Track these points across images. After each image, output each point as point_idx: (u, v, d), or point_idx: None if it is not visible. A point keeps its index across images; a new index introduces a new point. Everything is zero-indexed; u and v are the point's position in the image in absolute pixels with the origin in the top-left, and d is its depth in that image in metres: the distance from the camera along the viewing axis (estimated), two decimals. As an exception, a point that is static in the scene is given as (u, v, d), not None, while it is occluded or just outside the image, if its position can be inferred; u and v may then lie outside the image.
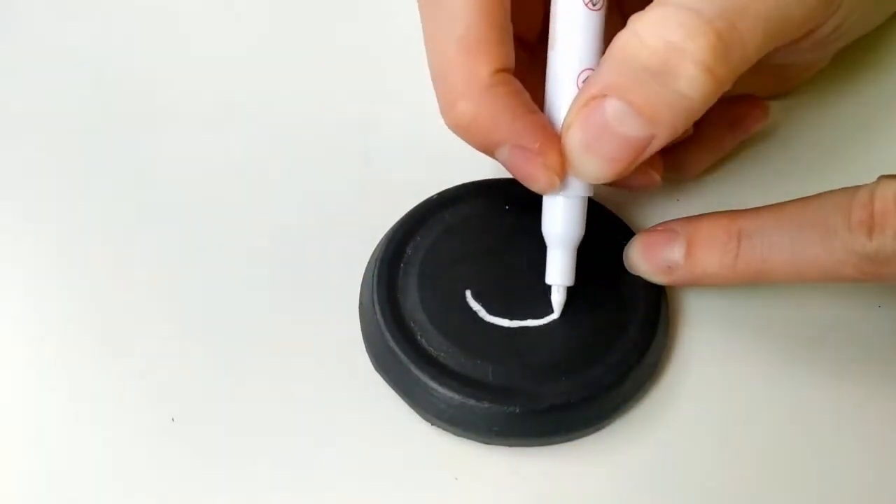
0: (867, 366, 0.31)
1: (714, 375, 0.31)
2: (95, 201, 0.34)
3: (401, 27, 0.37)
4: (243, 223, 0.34)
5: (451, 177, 0.33)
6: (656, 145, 0.27)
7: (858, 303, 0.32)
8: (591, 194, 0.29)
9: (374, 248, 0.32)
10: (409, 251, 0.31)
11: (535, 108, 0.28)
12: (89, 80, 0.38)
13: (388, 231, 0.32)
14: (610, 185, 0.29)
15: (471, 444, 0.29)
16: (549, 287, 0.30)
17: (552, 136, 0.28)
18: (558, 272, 0.30)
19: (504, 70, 0.28)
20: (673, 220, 0.31)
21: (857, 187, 0.27)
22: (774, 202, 0.29)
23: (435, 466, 0.29)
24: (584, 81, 0.28)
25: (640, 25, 0.26)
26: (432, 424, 0.29)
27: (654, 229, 0.31)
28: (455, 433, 0.29)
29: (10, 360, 0.31)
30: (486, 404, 0.28)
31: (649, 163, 0.30)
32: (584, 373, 0.29)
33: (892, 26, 0.39)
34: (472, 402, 0.28)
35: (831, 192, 0.28)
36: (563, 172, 0.28)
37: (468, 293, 0.30)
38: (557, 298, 0.30)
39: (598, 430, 0.30)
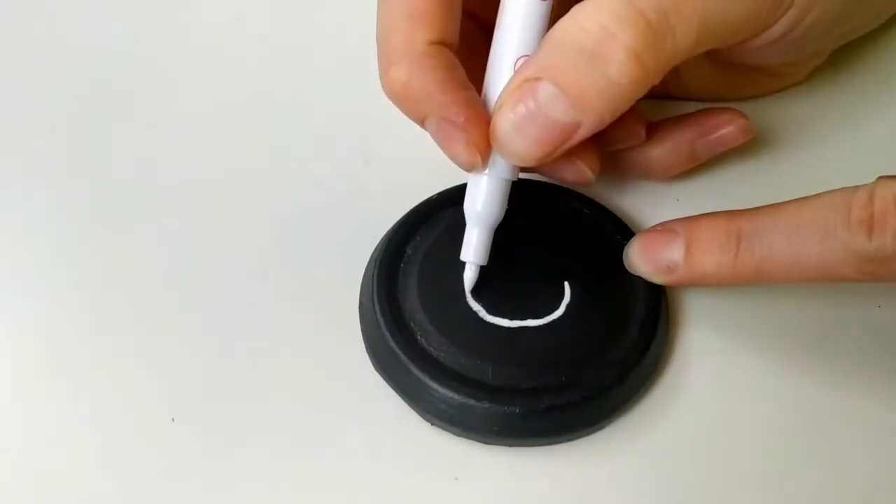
0: (867, 366, 0.31)
1: (714, 375, 0.31)
2: (96, 201, 0.34)
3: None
4: (243, 223, 0.34)
5: (451, 177, 0.33)
6: (582, 133, 0.27)
7: (858, 303, 0.32)
8: (515, 178, 0.30)
9: (374, 248, 0.32)
10: (409, 251, 0.31)
11: (469, 85, 0.29)
12: (89, 81, 0.38)
13: (388, 231, 0.32)
14: (541, 175, 0.30)
15: (471, 444, 0.29)
16: (468, 278, 0.30)
17: (479, 114, 0.28)
18: (472, 250, 0.30)
19: (442, 43, 0.29)
20: (672, 220, 0.31)
21: (856, 187, 0.27)
22: (774, 202, 0.29)
23: (435, 466, 0.29)
24: (520, 61, 0.28)
25: (579, 12, 0.27)
26: (432, 424, 0.29)
27: (653, 229, 0.31)
28: (455, 433, 0.29)
29: (10, 360, 0.31)
30: (486, 404, 0.28)
31: (581, 158, 0.30)
32: (584, 373, 0.29)
33: (893, 27, 0.39)
34: (472, 402, 0.28)
35: (830, 192, 0.28)
36: (486, 152, 0.28)
37: (468, 293, 0.30)
38: (469, 275, 0.30)
39: (598, 430, 0.30)
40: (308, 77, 0.38)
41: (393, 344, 0.29)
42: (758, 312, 0.32)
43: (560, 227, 0.32)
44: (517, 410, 0.28)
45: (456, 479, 0.29)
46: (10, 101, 0.37)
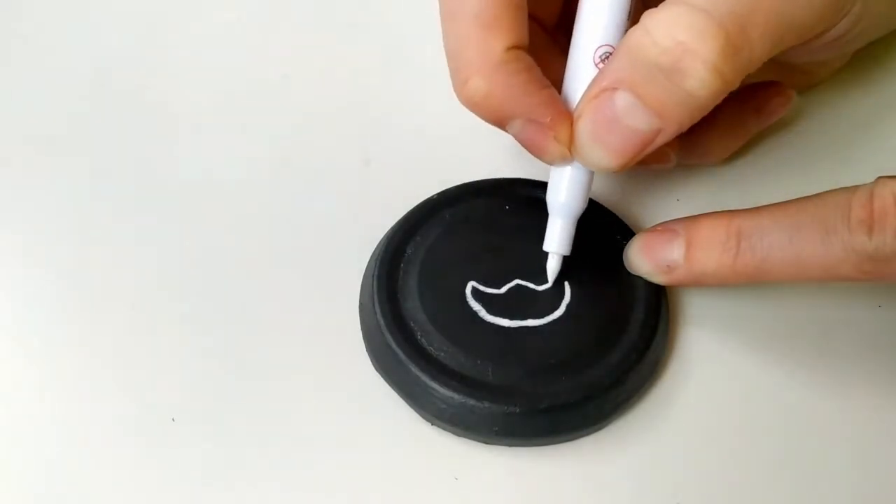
0: (867, 366, 0.31)
1: (714, 375, 0.31)
2: (96, 202, 0.34)
3: (401, 28, 0.37)
4: (243, 223, 0.34)
5: (451, 177, 0.33)
6: (662, 139, 0.27)
7: (858, 303, 0.32)
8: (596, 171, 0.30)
9: (374, 248, 0.32)
10: (409, 251, 0.31)
11: (548, 83, 0.29)
12: (89, 81, 0.38)
13: (388, 231, 0.32)
14: None
15: (471, 444, 0.29)
16: (545, 265, 0.31)
17: (563, 111, 0.29)
18: (557, 241, 0.30)
19: (518, 47, 0.29)
20: (673, 220, 0.31)
21: (856, 187, 0.27)
22: (774, 202, 0.29)
23: (435, 466, 0.29)
24: (601, 58, 0.29)
25: (652, 24, 0.26)
26: (432, 424, 0.29)
27: (653, 229, 0.31)
28: (455, 433, 0.29)
29: (10, 360, 0.31)
30: (486, 404, 0.28)
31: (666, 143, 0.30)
32: (584, 373, 0.29)
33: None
34: (472, 402, 0.28)
35: (830, 191, 0.28)
36: (572, 146, 0.29)
37: (468, 293, 0.30)
38: (552, 265, 0.31)
39: (598, 430, 0.30)
40: (308, 77, 0.38)
41: (393, 344, 0.29)
42: (758, 312, 0.32)
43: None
44: (517, 410, 0.28)
45: (456, 479, 0.29)
46: (11, 101, 0.37)
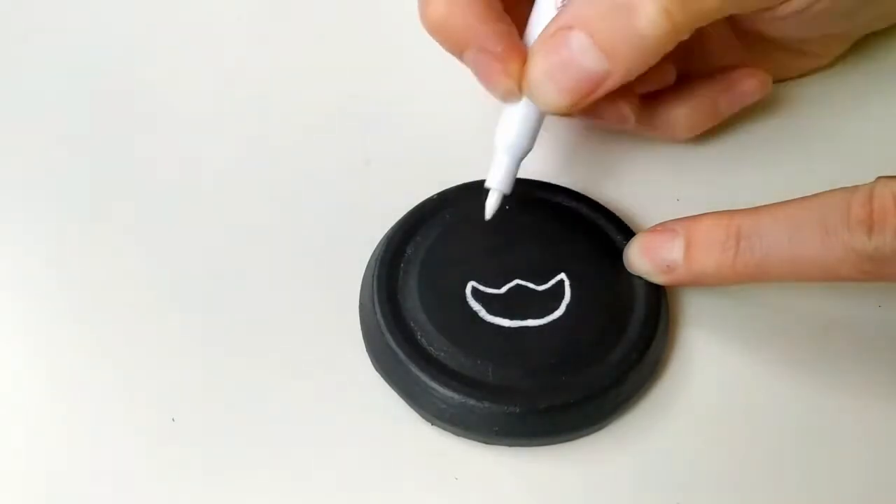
0: (867, 366, 0.31)
1: (714, 375, 0.31)
2: (96, 201, 0.34)
3: (401, 28, 0.37)
4: (243, 223, 0.34)
5: (451, 177, 0.33)
6: (610, 83, 0.28)
7: (858, 303, 0.32)
8: (548, 113, 0.30)
9: (374, 248, 0.32)
10: (409, 251, 0.31)
11: (507, 18, 0.30)
12: (89, 80, 0.38)
13: (388, 231, 0.32)
14: (584, 117, 0.31)
15: (471, 444, 0.29)
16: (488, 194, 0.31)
17: (517, 46, 0.29)
18: (499, 178, 0.30)
19: None
20: (672, 220, 0.31)
21: (856, 187, 0.27)
22: (774, 202, 0.29)
23: (435, 466, 0.29)
24: (562, 2, 0.29)
25: None
26: (432, 424, 0.29)
27: (653, 229, 0.31)
28: (455, 433, 0.29)
29: (9, 361, 0.31)
30: (486, 404, 0.28)
31: (623, 99, 0.31)
32: (584, 373, 0.29)
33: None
34: (472, 402, 0.28)
35: (830, 191, 0.28)
36: (524, 82, 0.29)
37: (468, 293, 0.30)
38: (491, 202, 0.31)
39: (598, 430, 0.30)
40: (308, 77, 0.38)
41: (393, 344, 0.29)
42: (758, 312, 0.32)
43: (560, 226, 0.32)
44: (517, 410, 0.28)
45: (456, 479, 0.29)
46: (11, 101, 0.37)
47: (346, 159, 0.36)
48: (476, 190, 0.33)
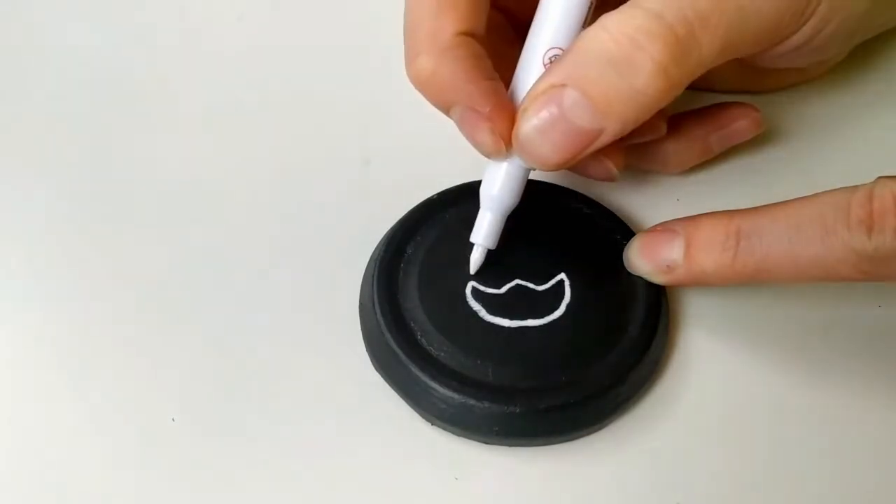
0: (867, 366, 0.31)
1: (714, 375, 0.31)
2: (96, 201, 0.34)
3: (401, 27, 0.36)
4: (243, 223, 0.34)
5: (451, 177, 0.33)
6: (603, 140, 0.28)
7: (858, 303, 0.32)
8: (534, 168, 0.30)
9: (374, 248, 0.32)
10: (409, 251, 0.31)
11: (495, 75, 0.29)
12: (89, 80, 0.38)
13: (388, 231, 0.32)
14: (568, 169, 0.30)
15: (471, 444, 0.29)
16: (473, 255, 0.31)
17: (505, 104, 0.29)
18: (483, 233, 0.30)
19: (470, 34, 0.29)
20: (672, 220, 0.31)
21: (856, 187, 0.27)
22: (773, 202, 0.29)
23: (435, 466, 0.29)
24: (550, 59, 0.29)
25: (609, 21, 0.27)
26: (432, 424, 0.29)
27: (653, 229, 0.31)
28: (455, 433, 0.29)
29: (10, 360, 0.31)
30: (486, 404, 0.28)
31: (607, 155, 0.31)
32: (584, 373, 0.29)
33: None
34: (472, 402, 0.28)
35: (829, 191, 0.28)
36: (510, 140, 0.29)
37: (468, 293, 0.30)
38: (476, 257, 0.31)
39: (598, 430, 0.30)
40: (308, 77, 0.38)
41: (393, 344, 0.29)
42: (758, 312, 0.32)
43: (560, 226, 0.32)
44: (517, 410, 0.28)
45: (456, 479, 0.29)
46: (11, 101, 0.37)
47: (346, 159, 0.36)
48: (476, 190, 0.33)
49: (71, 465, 0.29)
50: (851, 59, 0.37)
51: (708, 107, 0.34)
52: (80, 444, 0.29)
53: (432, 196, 0.33)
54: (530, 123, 0.28)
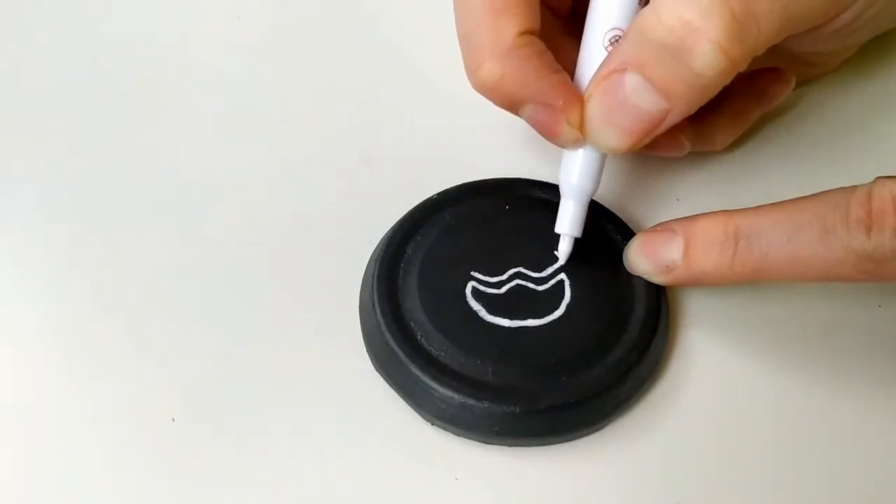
0: (867, 366, 0.31)
1: (714, 375, 0.31)
2: (95, 201, 0.34)
3: (401, 27, 0.37)
4: (243, 223, 0.34)
5: (451, 177, 0.33)
6: (671, 120, 0.28)
7: (858, 303, 0.32)
8: (609, 153, 0.30)
9: (374, 249, 0.32)
10: (409, 251, 0.31)
11: (559, 68, 0.30)
12: (89, 81, 0.38)
13: (388, 231, 0.32)
14: (642, 148, 0.30)
15: (471, 444, 0.29)
16: (556, 246, 0.31)
17: (575, 94, 0.29)
18: (568, 222, 0.31)
19: (529, 32, 0.29)
20: (672, 220, 0.31)
21: (855, 187, 0.27)
22: (773, 201, 0.29)
23: (435, 466, 0.29)
24: (610, 41, 0.29)
25: (661, 4, 0.27)
26: (432, 424, 0.29)
27: (653, 229, 0.31)
28: (455, 433, 0.29)
29: (10, 360, 0.31)
30: (486, 404, 0.28)
31: (678, 129, 0.31)
32: (584, 373, 0.29)
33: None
34: (472, 402, 0.28)
35: (829, 191, 0.28)
36: (583, 128, 0.29)
37: (468, 293, 0.30)
38: (564, 247, 0.31)
39: (598, 430, 0.30)
40: (308, 77, 0.38)
41: (393, 344, 0.29)
42: (758, 312, 0.32)
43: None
44: (517, 410, 0.28)
45: (456, 479, 0.29)
46: (11, 101, 0.37)
47: (345, 159, 0.36)
48: (476, 190, 0.33)
49: (71, 465, 0.29)
50: (851, 59, 0.37)
51: (738, 79, 0.34)
52: (81, 444, 0.29)
53: (432, 196, 0.33)
54: (596, 110, 0.28)
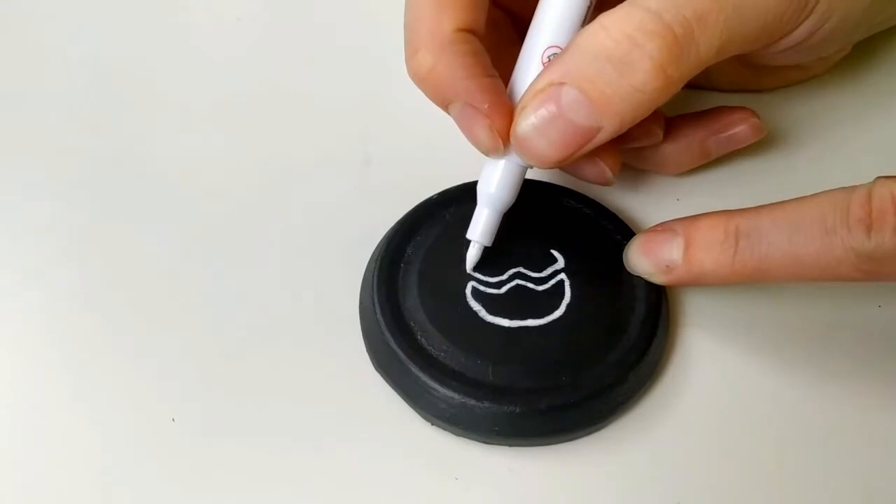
0: (867, 366, 0.31)
1: (714, 375, 0.31)
2: (96, 202, 0.34)
3: (401, 28, 0.36)
4: (243, 223, 0.34)
5: (451, 177, 0.33)
6: (602, 137, 0.28)
7: (858, 303, 0.32)
8: (530, 166, 0.30)
9: (374, 249, 0.32)
10: (409, 251, 0.31)
11: (494, 72, 0.30)
12: (89, 81, 0.38)
13: (388, 231, 0.32)
14: (563, 171, 0.31)
15: (471, 444, 0.29)
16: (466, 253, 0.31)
17: (503, 101, 0.29)
18: (480, 230, 0.30)
19: (469, 30, 0.29)
20: (672, 220, 0.31)
21: (855, 187, 0.27)
22: (773, 201, 0.29)
23: (435, 466, 0.29)
24: (548, 58, 0.29)
25: (608, 20, 0.27)
26: (432, 424, 0.29)
27: (653, 229, 0.31)
28: (455, 433, 0.29)
29: (10, 360, 0.31)
30: (486, 404, 0.28)
31: (603, 157, 0.31)
32: (584, 373, 0.29)
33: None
34: (472, 402, 0.28)
35: (829, 191, 0.28)
36: (507, 138, 0.29)
37: (468, 293, 0.30)
38: (472, 254, 0.31)
39: (598, 430, 0.30)
40: (308, 77, 0.38)
41: (393, 344, 0.29)
42: (758, 312, 0.32)
43: (560, 226, 0.32)
44: (517, 410, 0.28)
45: (456, 479, 0.29)
46: (11, 101, 0.37)
47: (346, 159, 0.36)
48: (476, 190, 0.33)
49: (71, 465, 0.29)
50: (851, 58, 0.37)
51: (707, 110, 0.35)
52: (80, 444, 0.29)
53: (432, 196, 0.33)
54: (528, 121, 0.28)
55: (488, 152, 0.30)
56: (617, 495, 0.29)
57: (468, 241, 0.31)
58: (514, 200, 0.30)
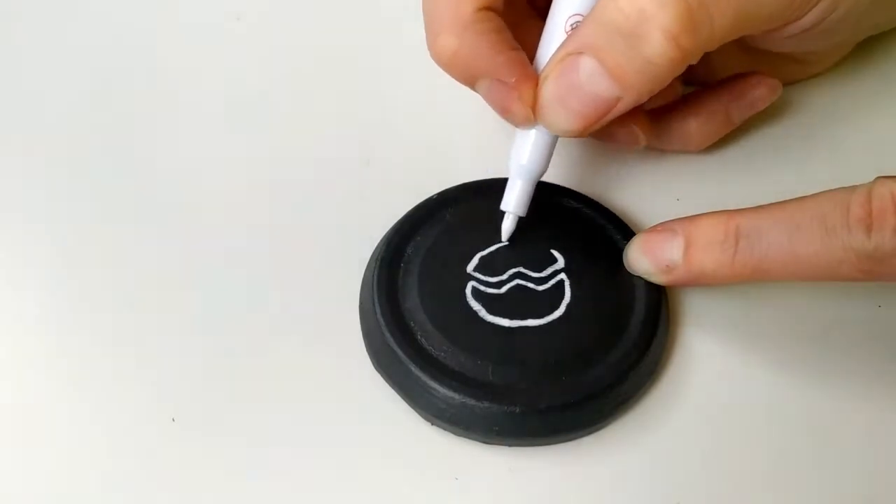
0: (867, 366, 0.31)
1: (714, 375, 0.31)
2: (96, 201, 0.34)
3: (401, 28, 0.37)
4: (243, 224, 0.34)
5: (451, 177, 0.33)
6: (622, 107, 0.28)
7: (858, 303, 0.32)
8: (561, 136, 0.30)
9: (374, 249, 0.32)
10: (409, 251, 0.31)
11: (517, 45, 0.30)
12: (89, 81, 0.38)
13: (388, 231, 0.32)
14: (595, 137, 0.31)
15: (471, 444, 0.29)
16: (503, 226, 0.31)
17: (530, 73, 0.30)
18: (514, 201, 0.31)
19: (489, 8, 0.30)
20: (672, 220, 0.31)
21: (855, 186, 0.27)
22: (773, 201, 0.29)
23: (435, 466, 0.29)
24: (571, 27, 0.29)
25: None
26: (432, 424, 0.29)
27: (653, 229, 0.31)
28: (455, 433, 0.29)
29: (10, 360, 0.31)
30: (486, 404, 0.28)
31: (634, 120, 0.32)
32: (584, 373, 0.29)
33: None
34: (472, 402, 0.28)
35: (829, 191, 0.28)
36: (536, 108, 0.29)
37: (468, 293, 0.30)
38: (507, 225, 0.31)
39: (598, 430, 0.30)
40: (308, 77, 0.38)
41: (393, 344, 0.29)
42: (758, 312, 0.32)
43: (560, 226, 0.32)
44: (517, 410, 0.28)
45: (456, 479, 0.29)
46: (11, 101, 0.37)
47: (346, 159, 0.36)
48: (476, 190, 0.33)
49: (71, 465, 0.29)
50: (850, 58, 0.37)
51: (721, 80, 0.35)
52: (80, 444, 0.29)
53: (432, 196, 0.33)
54: (550, 91, 0.29)
55: (520, 123, 0.30)
56: (617, 495, 0.29)
57: (502, 213, 0.31)
58: (545, 170, 0.31)
